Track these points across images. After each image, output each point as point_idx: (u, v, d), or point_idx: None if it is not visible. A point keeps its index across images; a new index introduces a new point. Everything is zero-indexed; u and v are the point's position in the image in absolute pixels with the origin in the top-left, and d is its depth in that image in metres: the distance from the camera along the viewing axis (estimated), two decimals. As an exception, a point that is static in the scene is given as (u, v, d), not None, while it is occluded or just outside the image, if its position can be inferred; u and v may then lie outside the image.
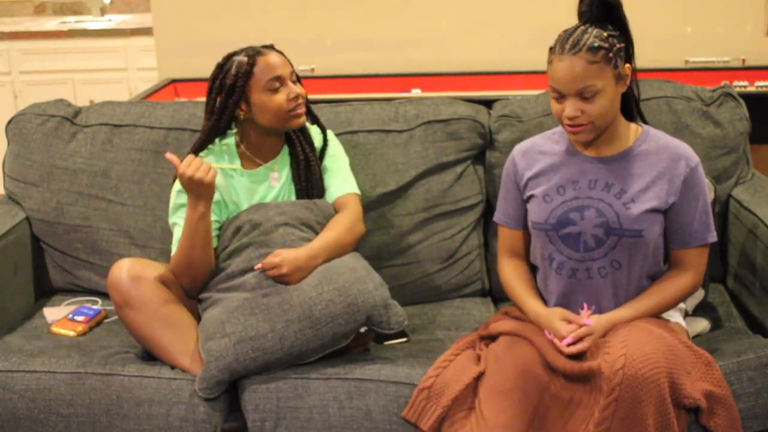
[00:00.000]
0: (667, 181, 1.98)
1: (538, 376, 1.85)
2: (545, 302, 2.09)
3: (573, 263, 2.01)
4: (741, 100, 2.51)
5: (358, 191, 2.32)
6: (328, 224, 2.21)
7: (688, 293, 2.05)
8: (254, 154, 2.26)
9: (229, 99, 2.19)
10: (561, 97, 1.92)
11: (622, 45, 1.93)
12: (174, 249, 2.17)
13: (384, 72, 3.69)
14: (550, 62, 1.93)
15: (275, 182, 2.26)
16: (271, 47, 2.24)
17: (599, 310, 2.02)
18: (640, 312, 1.97)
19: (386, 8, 3.73)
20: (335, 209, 2.27)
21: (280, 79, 2.18)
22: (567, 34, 1.92)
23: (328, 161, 2.32)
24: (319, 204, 2.25)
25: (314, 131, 2.34)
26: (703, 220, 2.02)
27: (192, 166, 2.03)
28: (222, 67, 2.22)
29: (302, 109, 2.20)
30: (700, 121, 2.46)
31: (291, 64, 2.23)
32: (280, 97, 2.17)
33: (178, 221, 2.17)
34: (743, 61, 3.62)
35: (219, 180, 2.20)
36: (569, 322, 1.96)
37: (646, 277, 2.03)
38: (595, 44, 1.88)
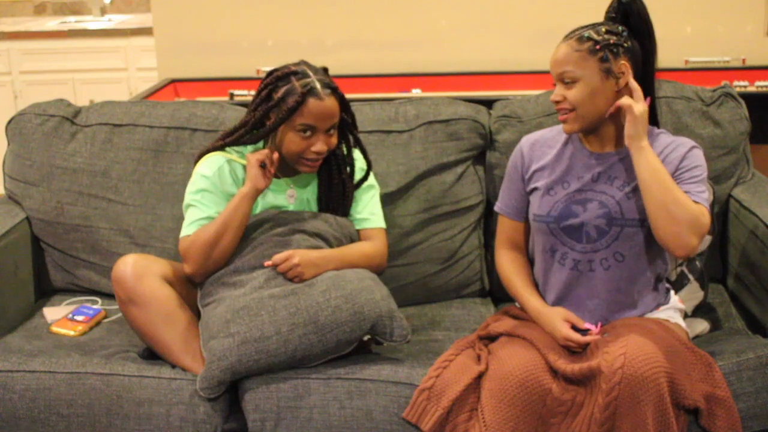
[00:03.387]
0: (671, 170, 1.99)
1: (541, 381, 1.85)
2: (543, 296, 2.10)
3: (576, 254, 2.02)
4: (741, 100, 2.51)
5: (384, 225, 2.31)
6: (350, 245, 2.23)
7: (697, 216, 1.92)
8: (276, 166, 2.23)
9: (271, 121, 2.15)
10: (555, 83, 2.01)
11: (620, 42, 1.96)
12: (187, 230, 2.15)
13: (384, 72, 3.69)
14: None
15: (291, 199, 2.25)
16: (334, 92, 2.13)
17: (601, 304, 2.02)
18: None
19: (386, 8, 3.73)
20: (361, 239, 2.28)
21: (312, 129, 2.12)
22: (579, 28, 2.01)
23: (360, 191, 2.30)
24: (340, 221, 2.24)
25: (356, 154, 2.31)
26: (697, 190, 1.97)
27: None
28: (277, 82, 2.14)
29: (316, 164, 2.16)
30: (700, 121, 2.46)
31: (339, 115, 2.16)
32: (302, 143, 2.13)
33: (194, 204, 2.16)
34: (743, 61, 3.62)
35: (240, 175, 2.20)
36: (571, 323, 1.96)
37: (650, 272, 2.04)
38: (585, 35, 1.97)
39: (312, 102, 2.10)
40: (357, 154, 2.31)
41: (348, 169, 2.27)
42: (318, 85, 2.11)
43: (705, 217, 1.94)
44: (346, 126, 2.25)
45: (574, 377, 1.84)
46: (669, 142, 2.04)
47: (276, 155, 2.14)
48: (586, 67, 1.96)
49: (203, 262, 2.13)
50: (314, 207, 2.27)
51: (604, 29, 1.97)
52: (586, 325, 1.96)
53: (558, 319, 1.98)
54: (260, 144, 2.25)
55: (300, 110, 2.10)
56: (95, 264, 2.53)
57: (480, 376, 1.91)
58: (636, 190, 1.99)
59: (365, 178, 2.31)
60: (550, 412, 1.84)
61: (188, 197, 2.19)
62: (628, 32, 1.98)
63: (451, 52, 3.73)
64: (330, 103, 2.12)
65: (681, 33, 3.67)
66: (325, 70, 2.20)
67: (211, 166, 2.18)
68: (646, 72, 2.02)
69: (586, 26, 1.99)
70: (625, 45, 1.96)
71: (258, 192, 2.14)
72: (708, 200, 1.99)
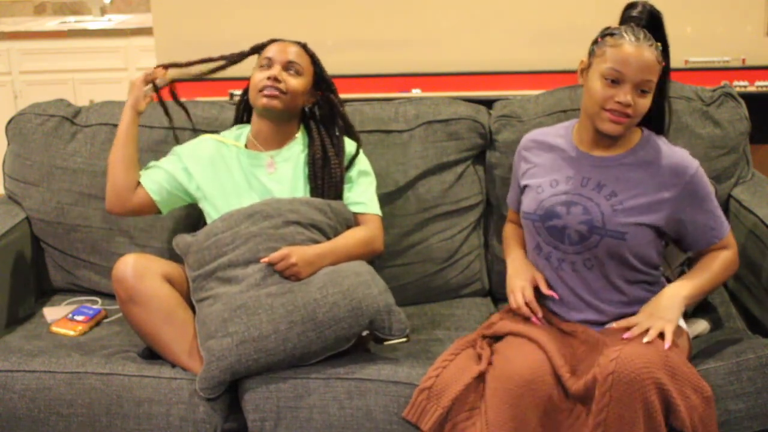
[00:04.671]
0: (668, 201, 1.98)
1: (546, 383, 1.84)
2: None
3: (559, 254, 2.03)
4: (741, 100, 2.51)
5: (380, 213, 2.32)
6: (345, 233, 2.23)
7: (733, 266, 2.06)
8: (255, 137, 2.31)
9: (234, 57, 2.34)
10: (617, 82, 1.92)
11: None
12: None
13: (384, 72, 3.69)
14: (615, 45, 1.92)
15: (270, 168, 2.27)
16: (298, 43, 2.31)
17: (590, 299, 2.01)
18: (699, 287, 1.99)
19: (386, 8, 3.73)
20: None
21: (269, 60, 2.26)
22: (633, 28, 1.94)
23: (356, 175, 2.32)
24: (334, 207, 2.24)
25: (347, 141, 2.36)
26: (718, 217, 2.03)
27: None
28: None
29: (272, 92, 2.22)
30: (700, 121, 2.46)
31: (304, 61, 2.29)
32: (261, 74, 2.25)
33: (165, 157, 2.34)
34: (743, 61, 3.62)
35: (213, 152, 2.30)
36: (536, 285, 2.02)
37: (638, 273, 2.02)
38: (660, 48, 1.95)
39: (273, 43, 2.30)
40: (348, 141, 2.35)
41: (334, 150, 2.29)
42: (288, 40, 2.31)
43: (734, 251, 2.05)
44: (326, 98, 2.34)
45: (578, 394, 1.83)
46: (662, 156, 2.01)
47: (163, 72, 2.32)
48: (655, 80, 1.94)
49: (108, 185, 2.25)
50: (302, 186, 2.27)
51: (658, 44, 1.96)
52: (549, 293, 2.01)
53: (525, 275, 2.05)
54: (248, 126, 2.35)
55: (265, 50, 2.29)
56: (95, 264, 2.53)
57: (480, 376, 1.90)
58: (623, 204, 1.97)
59: (356, 154, 2.33)
60: (552, 415, 1.83)
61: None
62: None
63: (451, 52, 3.72)
64: (292, 45, 2.29)
65: (681, 33, 3.66)
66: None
67: (188, 143, 2.35)
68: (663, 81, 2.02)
69: (646, 31, 1.95)
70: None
71: (134, 111, 2.26)
72: (728, 226, 2.06)
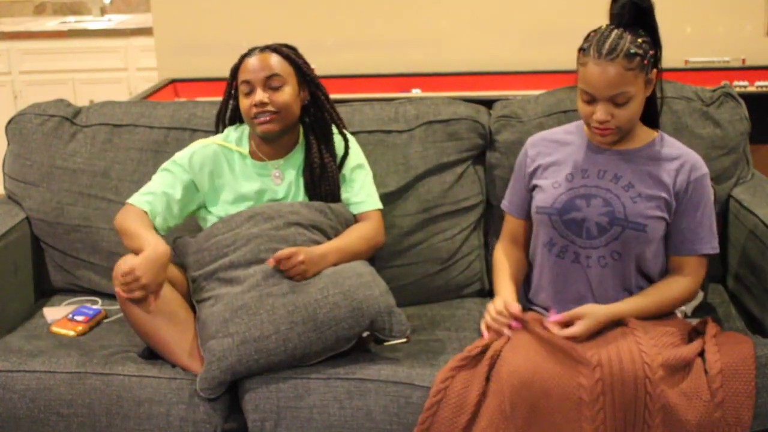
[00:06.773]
0: (675, 192, 2.01)
1: (542, 382, 1.81)
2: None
3: (575, 248, 2.03)
4: (741, 100, 2.51)
5: (380, 206, 2.32)
6: (346, 231, 2.23)
7: (685, 298, 2.06)
8: (257, 148, 2.28)
9: (227, 92, 2.30)
10: (592, 100, 1.94)
11: (654, 51, 1.94)
12: (134, 197, 2.21)
13: (384, 72, 3.69)
14: (583, 64, 1.93)
15: (277, 180, 2.26)
16: (268, 48, 2.22)
17: (596, 300, 2.01)
18: (639, 309, 1.97)
19: (386, 8, 3.73)
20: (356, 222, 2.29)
21: (248, 84, 2.19)
22: (602, 37, 1.92)
23: (349, 172, 2.31)
24: (335, 209, 2.24)
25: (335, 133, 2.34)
26: (705, 230, 2.04)
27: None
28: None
29: (265, 118, 2.17)
30: (700, 122, 2.46)
31: (282, 68, 2.20)
32: (246, 102, 2.20)
33: (156, 175, 2.26)
34: (743, 61, 3.62)
35: (216, 160, 2.26)
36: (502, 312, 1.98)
37: (648, 271, 2.04)
38: (632, 51, 1.89)
39: (246, 60, 2.22)
40: (336, 140, 2.33)
41: (329, 153, 2.28)
42: (256, 48, 2.23)
43: (695, 282, 2.04)
44: (312, 94, 2.27)
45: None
46: (675, 154, 2.03)
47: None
48: (636, 84, 1.91)
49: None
50: (301, 191, 2.27)
51: (640, 40, 1.91)
52: (513, 325, 1.96)
53: (502, 300, 2.00)
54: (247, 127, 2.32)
55: (240, 71, 2.21)
56: (95, 264, 2.53)
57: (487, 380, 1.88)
58: (641, 196, 1.99)
59: (346, 153, 2.31)
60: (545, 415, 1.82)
61: (163, 165, 2.29)
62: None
63: (451, 52, 3.73)
64: (263, 56, 2.20)
65: (681, 33, 3.67)
66: (290, 47, 2.27)
67: (189, 151, 2.28)
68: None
69: (613, 37, 1.91)
70: (654, 52, 1.94)
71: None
72: (715, 248, 2.05)
